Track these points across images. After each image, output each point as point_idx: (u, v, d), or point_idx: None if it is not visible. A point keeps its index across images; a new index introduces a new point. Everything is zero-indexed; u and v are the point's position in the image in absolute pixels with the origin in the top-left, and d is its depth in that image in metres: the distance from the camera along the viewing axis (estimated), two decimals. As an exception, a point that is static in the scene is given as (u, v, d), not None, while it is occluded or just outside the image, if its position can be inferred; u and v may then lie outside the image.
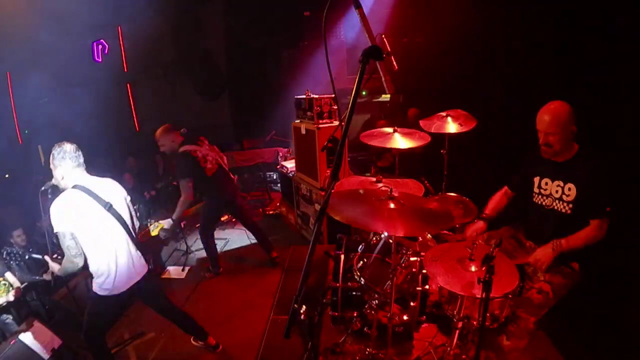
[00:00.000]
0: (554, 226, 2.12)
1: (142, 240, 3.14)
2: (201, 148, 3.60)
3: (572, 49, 3.00)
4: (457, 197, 3.12)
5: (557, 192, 2.12)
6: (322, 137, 3.76)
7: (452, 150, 3.25)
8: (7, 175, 4.89)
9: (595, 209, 1.99)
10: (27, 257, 2.81)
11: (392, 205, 1.86)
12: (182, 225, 4.63)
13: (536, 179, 2.25)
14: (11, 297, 2.84)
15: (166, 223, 3.37)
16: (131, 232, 2.34)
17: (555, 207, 2.13)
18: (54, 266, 2.24)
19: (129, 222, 2.33)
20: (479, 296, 1.56)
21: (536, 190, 2.25)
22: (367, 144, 2.91)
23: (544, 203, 2.20)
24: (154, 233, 3.35)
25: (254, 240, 4.31)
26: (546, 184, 2.19)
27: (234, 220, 5.18)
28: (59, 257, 2.23)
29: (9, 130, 6.26)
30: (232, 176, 3.95)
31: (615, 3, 2.67)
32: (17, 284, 3.17)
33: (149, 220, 3.75)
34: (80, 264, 2.12)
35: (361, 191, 2.15)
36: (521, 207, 2.43)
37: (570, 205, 2.06)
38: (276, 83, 6.65)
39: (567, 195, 2.07)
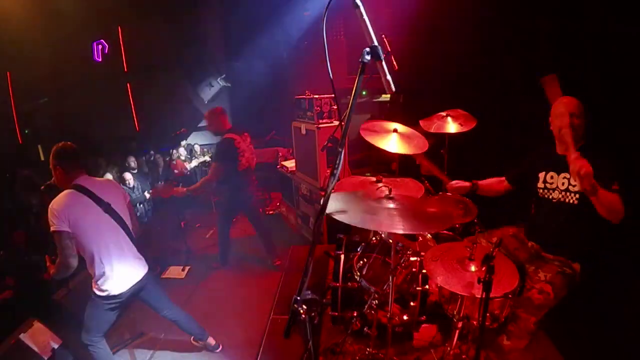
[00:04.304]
0: (563, 220, 2.11)
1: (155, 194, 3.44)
2: (242, 142, 3.65)
3: (572, 48, 3.00)
4: (457, 197, 3.11)
5: (563, 184, 2.13)
6: (322, 137, 3.76)
7: (452, 150, 3.25)
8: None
9: (602, 183, 1.82)
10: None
11: (391, 205, 1.86)
12: (182, 225, 4.63)
13: (541, 174, 2.25)
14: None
15: (180, 191, 3.66)
16: (130, 233, 2.33)
17: (563, 199, 2.13)
18: (50, 267, 2.23)
19: (128, 222, 2.33)
20: (479, 296, 1.56)
21: (541, 185, 2.25)
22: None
23: (551, 197, 2.20)
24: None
25: (254, 241, 4.30)
26: (552, 177, 2.19)
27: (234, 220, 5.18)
28: (55, 257, 2.22)
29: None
30: (255, 179, 4.03)
31: (616, 2, 2.66)
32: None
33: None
34: (74, 265, 2.10)
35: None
36: (522, 206, 2.42)
37: (577, 196, 2.06)
38: (276, 83, 6.64)
39: (574, 186, 2.06)
